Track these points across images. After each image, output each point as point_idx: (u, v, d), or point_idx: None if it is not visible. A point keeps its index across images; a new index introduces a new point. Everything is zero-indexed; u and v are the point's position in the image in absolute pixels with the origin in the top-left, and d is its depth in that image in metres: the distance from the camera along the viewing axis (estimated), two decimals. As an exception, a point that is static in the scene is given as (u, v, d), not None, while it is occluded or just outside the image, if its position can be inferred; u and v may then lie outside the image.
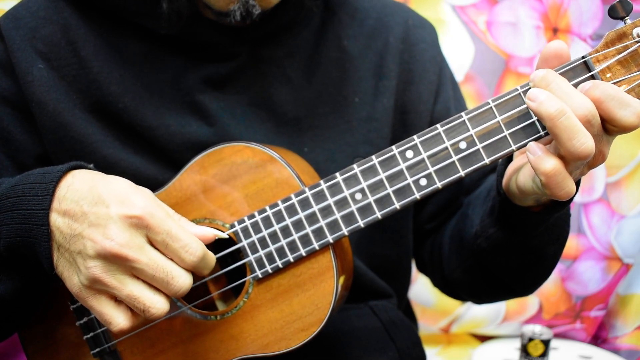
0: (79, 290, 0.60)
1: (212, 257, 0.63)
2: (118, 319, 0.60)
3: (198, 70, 0.78)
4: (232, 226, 0.68)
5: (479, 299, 0.93)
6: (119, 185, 0.61)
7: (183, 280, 0.60)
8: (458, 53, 1.48)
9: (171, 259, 0.60)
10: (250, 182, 0.68)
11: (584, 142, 0.53)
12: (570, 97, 0.54)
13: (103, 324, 0.61)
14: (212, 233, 0.64)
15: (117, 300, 0.61)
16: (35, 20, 0.76)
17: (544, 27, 1.47)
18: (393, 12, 0.90)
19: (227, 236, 0.67)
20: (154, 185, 0.73)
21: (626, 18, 0.57)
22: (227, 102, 0.79)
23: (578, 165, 0.56)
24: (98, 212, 0.59)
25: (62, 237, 0.60)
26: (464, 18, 1.48)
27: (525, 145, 0.59)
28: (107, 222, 0.58)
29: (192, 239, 0.60)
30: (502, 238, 0.72)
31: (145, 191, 0.62)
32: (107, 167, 0.75)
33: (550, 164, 0.55)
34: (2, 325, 0.71)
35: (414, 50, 0.88)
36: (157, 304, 0.60)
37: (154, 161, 0.78)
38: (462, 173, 0.61)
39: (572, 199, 0.66)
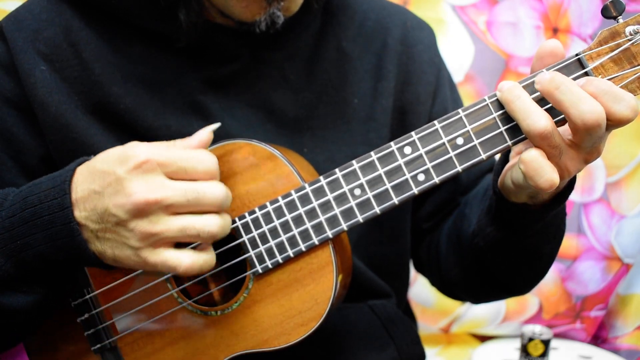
0: (136, 258, 0.62)
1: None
2: (183, 257, 0.62)
3: (199, 71, 0.79)
4: (233, 222, 0.69)
5: (477, 298, 0.93)
6: (110, 152, 0.62)
7: (214, 189, 0.61)
8: (458, 53, 1.48)
9: (195, 179, 0.62)
10: (251, 179, 0.69)
11: (536, 120, 0.56)
12: (580, 100, 0.55)
13: (169, 272, 0.62)
14: (208, 130, 0.65)
15: (174, 245, 0.63)
16: (38, 22, 0.76)
17: (544, 27, 1.47)
18: (391, 14, 0.91)
19: (218, 124, 0.67)
20: None
21: (618, 17, 0.58)
22: (227, 103, 0.80)
23: (554, 153, 0.58)
24: (110, 182, 0.61)
25: (93, 222, 0.62)
26: (464, 18, 1.48)
27: (521, 140, 0.60)
28: (122, 183, 0.60)
29: (199, 151, 0.62)
30: (499, 237, 0.73)
31: (135, 142, 0.63)
32: None
33: (528, 153, 0.58)
34: (14, 335, 0.71)
35: (412, 51, 0.89)
36: (209, 220, 0.61)
37: None
38: (459, 168, 0.62)
39: (567, 196, 0.67)
